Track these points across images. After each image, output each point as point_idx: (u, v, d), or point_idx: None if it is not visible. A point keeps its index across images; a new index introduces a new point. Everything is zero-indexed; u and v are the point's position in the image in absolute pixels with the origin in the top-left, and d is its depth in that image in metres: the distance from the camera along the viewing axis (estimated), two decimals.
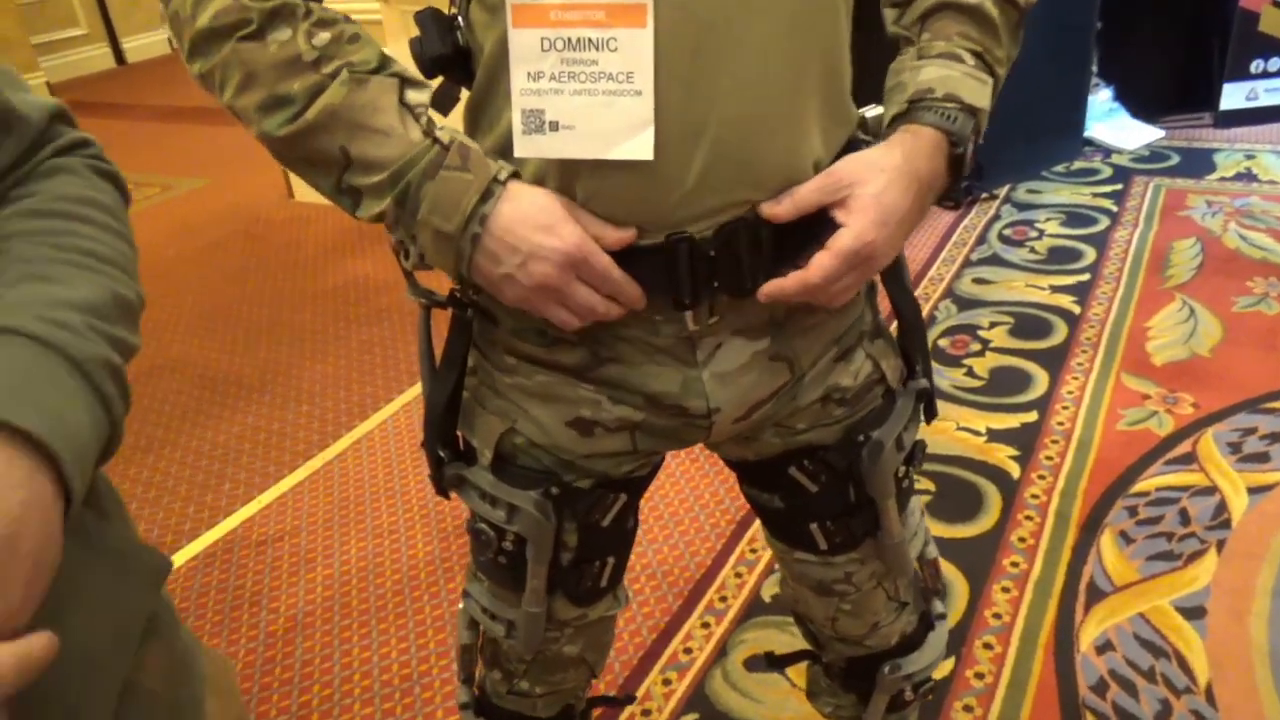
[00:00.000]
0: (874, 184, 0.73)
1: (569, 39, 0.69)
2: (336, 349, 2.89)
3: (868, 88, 0.84)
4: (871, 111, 0.80)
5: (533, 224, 0.71)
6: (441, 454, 0.89)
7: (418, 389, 2.53)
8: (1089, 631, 1.64)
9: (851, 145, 0.80)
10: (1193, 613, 1.64)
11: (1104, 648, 1.60)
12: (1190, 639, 1.60)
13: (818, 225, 0.74)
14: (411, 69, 0.76)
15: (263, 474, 2.34)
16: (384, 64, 0.73)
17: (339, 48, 0.71)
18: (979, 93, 0.78)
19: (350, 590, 1.93)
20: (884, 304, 0.92)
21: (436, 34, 0.76)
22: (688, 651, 1.69)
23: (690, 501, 2.06)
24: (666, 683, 1.63)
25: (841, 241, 0.73)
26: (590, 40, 0.69)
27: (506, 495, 0.85)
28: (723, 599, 1.80)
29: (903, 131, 0.77)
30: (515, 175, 0.73)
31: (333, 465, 2.34)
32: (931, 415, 0.95)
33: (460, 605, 1.01)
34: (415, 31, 0.78)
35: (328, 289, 3.28)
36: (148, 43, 7.45)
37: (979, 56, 0.79)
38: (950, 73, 0.78)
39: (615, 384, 0.82)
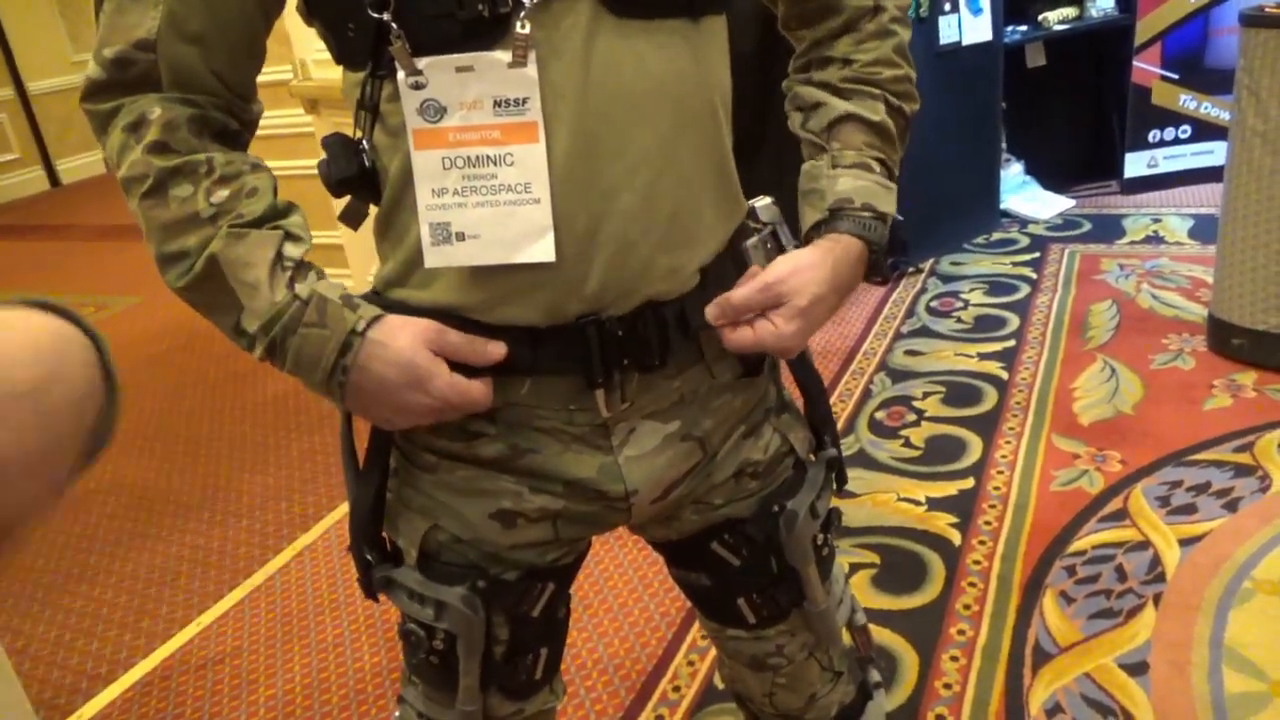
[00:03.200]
0: (805, 297, 0.79)
1: (469, 157, 0.73)
2: (277, 459, 2.86)
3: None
4: (760, 202, 0.85)
5: (398, 384, 0.76)
6: (369, 557, 0.89)
7: None
8: (1038, 695, 1.65)
9: (742, 233, 0.85)
10: (1136, 669, 1.67)
11: (1053, 711, 1.61)
12: (1135, 695, 1.61)
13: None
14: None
15: (202, 594, 2.28)
16: (270, 217, 0.76)
17: (236, 202, 0.75)
18: (889, 200, 0.86)
19: (295, 710, 1.87)
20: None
21: (343, 157, 0.79)
22: None
23: (639, 590, 2.04)
24: None
25: (766, 339, 0.79)
26: (489, 157, 0.73)
27: (434, 593, 0.85)
28: (676, 689, 1.78)
29: (830, 240, 0.83)
30: (378, 319, 0.76)
31: (274, 580, 2.29)
32: (842, 483, 0.98)
33: (396, 714, 0.99)
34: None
35: (267, 399, 3.25)
36: (82, 164, 7.46)
37: (883, 164, 0.87)
38: (864, 183, 0.85)
39: (535, 474, 0.83)
